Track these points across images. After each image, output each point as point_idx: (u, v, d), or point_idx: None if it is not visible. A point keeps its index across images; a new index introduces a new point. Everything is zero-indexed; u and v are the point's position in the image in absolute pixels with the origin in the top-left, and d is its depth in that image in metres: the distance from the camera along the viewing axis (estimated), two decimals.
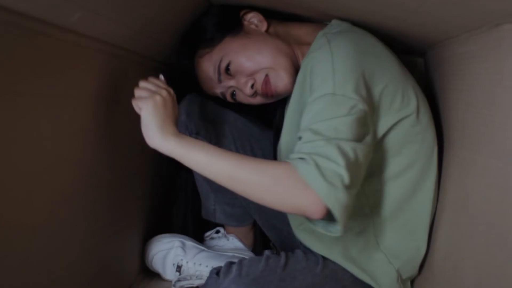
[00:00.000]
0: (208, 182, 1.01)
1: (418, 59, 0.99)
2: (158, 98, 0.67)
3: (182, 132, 0.96)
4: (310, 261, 0.78)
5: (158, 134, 0.66)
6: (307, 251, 0.82)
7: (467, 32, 0.68)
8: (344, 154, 0.62)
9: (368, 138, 0.67)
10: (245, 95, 0.87)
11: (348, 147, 0.63)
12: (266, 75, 0.83)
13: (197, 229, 1.13)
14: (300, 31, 0.88)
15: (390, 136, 0.74)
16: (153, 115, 0.66)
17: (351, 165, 0.62)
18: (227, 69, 0.85)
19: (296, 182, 0.61)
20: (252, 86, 0.84)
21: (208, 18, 0.89)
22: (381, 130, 0.73)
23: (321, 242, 0.80)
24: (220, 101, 0.96)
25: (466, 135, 0.70)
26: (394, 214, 0.77)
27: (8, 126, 0.50)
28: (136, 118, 0.85)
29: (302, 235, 0.85)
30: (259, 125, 1.02)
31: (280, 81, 0.84)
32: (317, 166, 0.61)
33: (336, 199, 0.60)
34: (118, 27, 0.71)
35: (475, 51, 0.67)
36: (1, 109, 0.49)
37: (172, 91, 0.72)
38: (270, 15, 0.89)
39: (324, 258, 0.80)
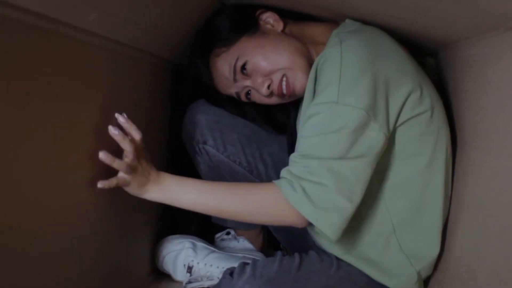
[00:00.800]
0: None
1: (429, 59, 0.99)
2: (134, 183, 0.71)
3: (189, 142, 0.97)
4: (325, 262, 0.78)
5: (142, 192, 0.74)
6: (320, 252, 0.82)
7: (479, 34, 0.68)
8: (336, 176, 0.67)
9: (372, 148, 0.69)
10: (261, 95, 0.86)
11: (343, 167, 0.68)
12: (284, 75, 0.83)
13: (206, 231, 1.13)
14: (314, 30, 0.88)
15: (402, 135, 0.73)
16: (134, 186, 0.72)
17: (344, 186, 0.67)
18: (243, 68, 0.85)
19: (283, 206, 0.70)
20: (269, 86, 0.84)
21: (223, 17, 0.89)
22: (393, 126, 0.72)
23: (338, 243, 0.80)
24: (229, 104, 0.95)
25: (478, 136, 0.71)
26: (414, 214, 0.77)
27: (18, 127, 0.50)
28: (147, 119, 0.85)
29: (318, 237, 0.85)
30: (267, 130, 1.01)
31: (298, 81, 0.83)
32: (305, 193, 0.67)
33: (330, 223, 0.68)
34: (129, 27, 0.72)
35: (487, 53, 0.67)
36: (12, 109, 0.49)
37: (138, 150, 0.72)
38: (284, 14, 0.89)
39: (338, 259, 0.80)
